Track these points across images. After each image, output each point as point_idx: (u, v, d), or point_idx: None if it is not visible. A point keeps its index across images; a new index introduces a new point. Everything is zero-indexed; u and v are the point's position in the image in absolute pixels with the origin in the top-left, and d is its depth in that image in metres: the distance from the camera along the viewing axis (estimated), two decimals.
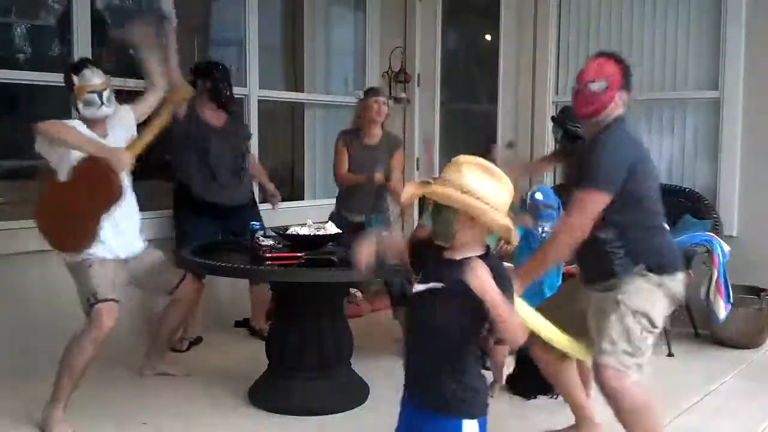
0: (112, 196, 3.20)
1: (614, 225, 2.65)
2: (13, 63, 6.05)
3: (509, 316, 1.88)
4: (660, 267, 2.68)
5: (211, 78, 4.38)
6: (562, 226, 2.75)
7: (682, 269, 2.76)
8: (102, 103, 3.32)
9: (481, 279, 1.84)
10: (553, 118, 4.56)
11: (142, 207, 4.37)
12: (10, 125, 5.62)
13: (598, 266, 2.74)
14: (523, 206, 3.35)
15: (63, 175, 3.23)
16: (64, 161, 3.23)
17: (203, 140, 4.32)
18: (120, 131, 3.45)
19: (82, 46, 4.25)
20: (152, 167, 4.12)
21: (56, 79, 4.31)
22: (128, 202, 3.44)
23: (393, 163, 4.60)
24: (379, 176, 4.40)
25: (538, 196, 3.34)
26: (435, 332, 1.99)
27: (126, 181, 3.35)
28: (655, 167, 2.86)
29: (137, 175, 3.55)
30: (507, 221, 1.96)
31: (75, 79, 3.31)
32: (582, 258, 2.81)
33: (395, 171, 4.59)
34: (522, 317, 2.05)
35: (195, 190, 4.34)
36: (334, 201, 4.77)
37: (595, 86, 2.70)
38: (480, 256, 1.98)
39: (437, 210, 1.97)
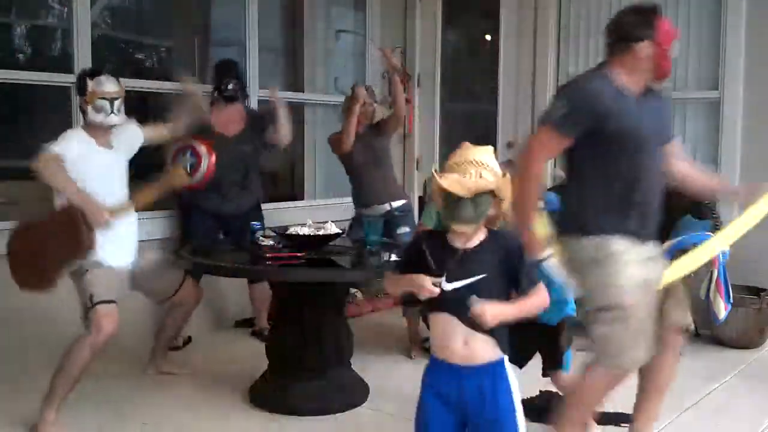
0: (79, 250, 3.15)
1: None
2: (13, 63, 6.04)
3: (533, 306, 2.07)
4: None
5: (215, 77, 4.41)
6: None
7: None
8: (112, 112, 3.31)
9: (495, 316, 1.98)
10: None
11: (151, 207, 4.40)
12: (10, 125, 5.62)
13: None
14: None
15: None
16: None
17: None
18: (125, 148, 3.45)
19: (82, 46, 4.25)
20: (156, 167, 4.11)
21: (56, 79, 4.33)
22: (118, 197, 3.41)
23: (388, 121, 4.61)
24: (359, 90, 4.44)
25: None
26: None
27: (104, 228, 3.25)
28: None
29: (141, 175, 3.56)
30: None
31: (90, 84, 3.31)
32: None
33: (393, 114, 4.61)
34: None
35: (197, 198, 4.35)
36: (333, 201, 4.78)
37: None
38: (490, 234, 2.10)
39: (475, 198, 2.01)
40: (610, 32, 2.67)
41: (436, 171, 2.07)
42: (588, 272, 2.60)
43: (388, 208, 4.51)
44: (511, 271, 2.07)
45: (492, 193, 2.04)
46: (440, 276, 2.03)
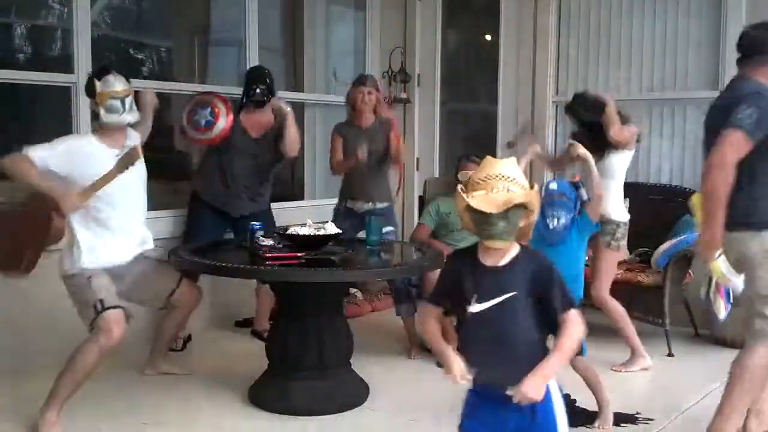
0: (49, 235, 3.11)
1: None
2: (13, 63, 6.04)
3: (573, 342, 2.00)
4: None
5: (246, 82, 4.50)
6: None
7: None
8: (124, 110, 3.29)
9: (538, 386, 1.94)
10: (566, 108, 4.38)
11: (157, 206, 4.41)
12: (10, 125, 5.62)
13: None
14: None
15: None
16: (74, 181, 3.21)
17: (229, 144, 4.39)
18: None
19: (82, 46, 4.25)
20: (168, 166, 4.13)
21: (56, 79, 4.33)
22: (132, 204, 3.43)
23: (390, 140, 4.62)
24: (361, 153, 4.41)
25: (552, 186, 3.29)
26: (515, 337, 2.02)
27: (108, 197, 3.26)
28: None
29: (152, 174, 3.56)
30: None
31: (98, 85, 3.28)
32: None
33: (393, 146, 4.63)
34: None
35: (204, 193, 4.44)
36: (333, 201, 4.79)
37: None
38: (522, 250, 2.06)
39: (506, 213, 1.96)
40: (756, 46, 2.96)
41: (462, 189, 2.01)
42: None
43: (371, 206, 4.56)
44: (540, 290, 2.01)
45: (522, 206, 2.00)
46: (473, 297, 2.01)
